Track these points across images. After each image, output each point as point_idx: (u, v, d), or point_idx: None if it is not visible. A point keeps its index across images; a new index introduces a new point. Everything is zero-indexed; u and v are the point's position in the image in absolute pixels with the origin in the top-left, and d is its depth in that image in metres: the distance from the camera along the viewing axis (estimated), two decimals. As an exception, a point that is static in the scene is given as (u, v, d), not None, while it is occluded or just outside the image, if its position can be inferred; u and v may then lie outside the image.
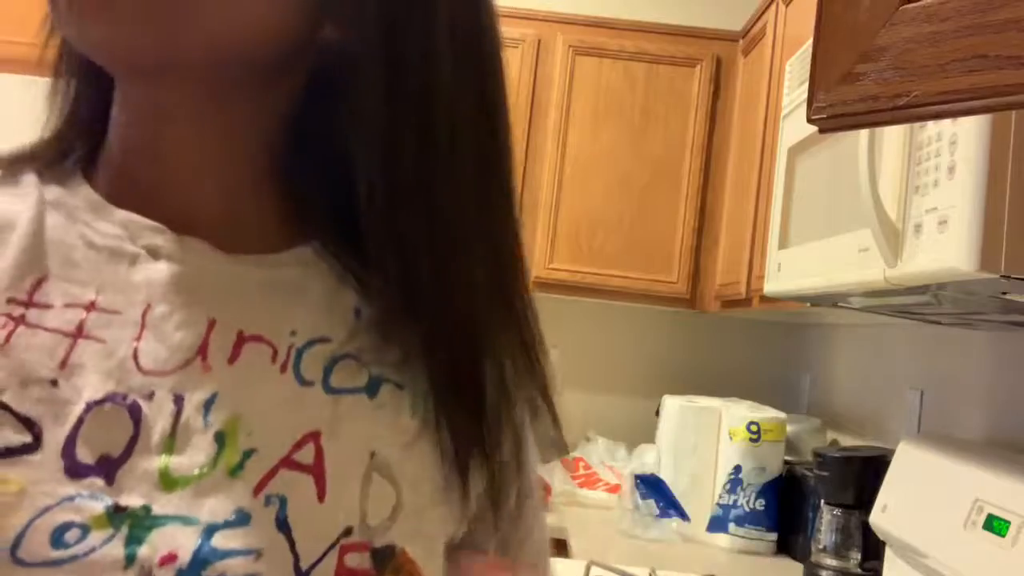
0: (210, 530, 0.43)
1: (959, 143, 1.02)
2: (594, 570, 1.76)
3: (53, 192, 0.51)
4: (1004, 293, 1.07)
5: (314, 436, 0.47)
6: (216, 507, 0.43)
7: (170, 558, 0.41)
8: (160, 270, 0.49)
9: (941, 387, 1.85)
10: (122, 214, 0.50)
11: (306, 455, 0.46)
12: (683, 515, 2.20)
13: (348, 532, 0.45)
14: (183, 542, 0.42)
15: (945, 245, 1.03)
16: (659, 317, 2.96)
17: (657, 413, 2.52)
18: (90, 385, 0.45)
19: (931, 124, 1.10)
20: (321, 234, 0.53)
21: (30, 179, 0.51)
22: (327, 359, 0.49)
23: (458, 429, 0.50)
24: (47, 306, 0.46)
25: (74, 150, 0.54)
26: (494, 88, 0.53)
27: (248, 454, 0.45)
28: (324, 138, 0.52)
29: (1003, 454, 1.43)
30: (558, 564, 1.71)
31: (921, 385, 1.93)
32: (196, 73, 0.48)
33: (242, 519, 0.43)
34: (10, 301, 0.46)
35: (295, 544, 0.44)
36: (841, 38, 0.43)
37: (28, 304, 0.46)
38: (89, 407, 0.44)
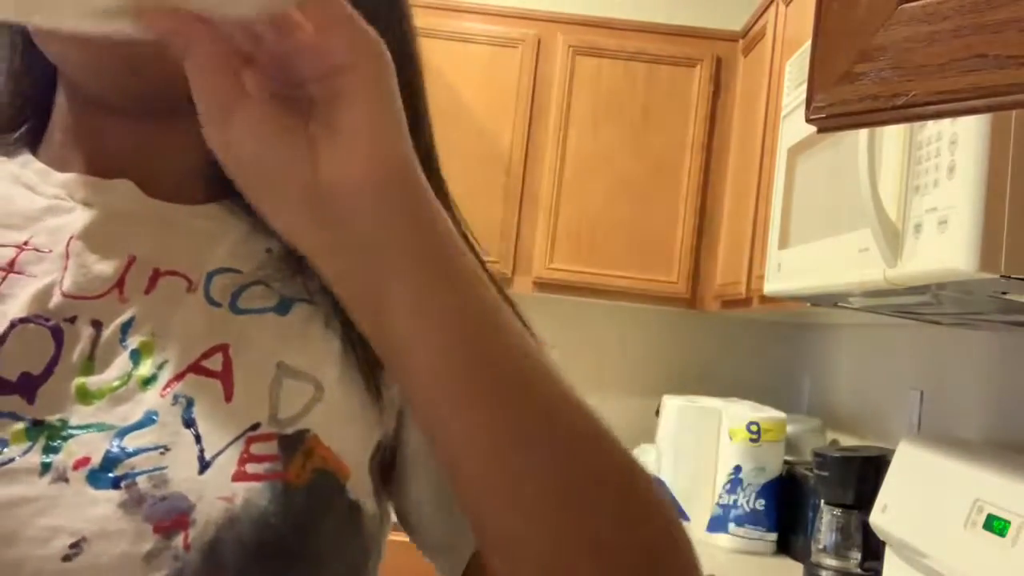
0: (121, 433, 0.45)
1: (959, 143, 1.02)
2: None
3: None
4: (1004, 293, 1.07)
5: (223, 348, 0.49)
6: (127, 413, 0.46)
7: (84, 461, 0.44)
8: (89, 215, 0.52)
9: (941, 387, 1.85)
10: (62, 176, 0.54)
11: (214, 363, 0.48)
12: (683, 515, 2.20)
13: (255, 427, 0.46)
14: (96, 447, 0.44)
15: (945, 245, 1.03)
16: (659, 317, 2.96)
17: (657, 413, 2.52)
18: (16, 309, 0.48)
19: (931, 124, 1.10)
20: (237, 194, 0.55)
21: None
22: (236, 286, 0.52)
23: (367, 351, 0.50)
24: None
25: (18, 126, 0.57)
26: (419, 111, 0.57)
27: (160, 366, 0.48)
28: None
29: (1003, 454, 1.43)
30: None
31: (921, 385, 1.93)
32: (157, 99, 0.51)
33: (151, 419, 0.46)
34: None
35: (200, 438, 0.45)
36: (840, 38, 0.43)
37: None
38: (13, 324, 0.47)
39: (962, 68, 0.38)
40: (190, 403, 0.46)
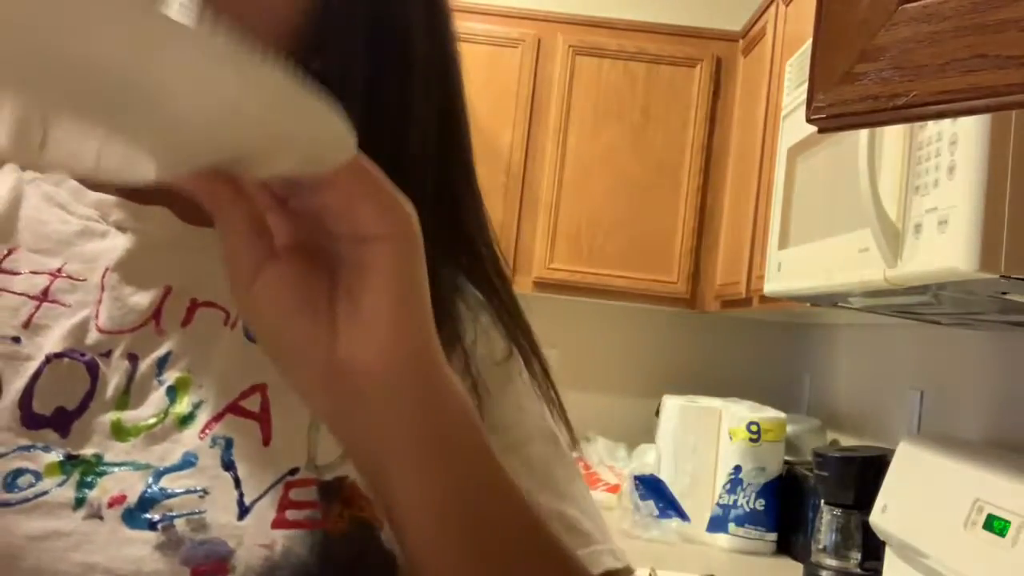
0: (158, 473, 0.45)
1: (959, 143, 1.02)
2: (594, 570, 1.75)
3: (32, 175, 0.54)
4: (1004, 293, 1.07)
5: (261, 388, 0.48)
6: (165, 453, 0.45)
7: (119, 499, 0.44)
8: (124, 242, 0.52)
9: (941, 387, 1.85)
10: (95, 195, 0.53)
11: (252, 403, 0.47)
12: (683, 515, 2.20)
13: (294, 471, 0.46)
14: (132, 484, 0.44)
15: (945, 245, 1.03)
16: (659, 317, 2.96)
17: (657, 413, 2.52)
18: (51, 342, 0.48)
19: (931, 124, 1.10)
20: None
21: (9, 166, 0.54)
22: None
23: None
24: (15, 273, 0.50)
25: None
26: (454, 105, 0.58)
27: (198, 405, 0.47)
28: None
29: (1003, 454, 1.43)
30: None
31: (921, 385, 1.93)
32: None
33: (189, 462, 0.45)
34: None
35: (240, 482, 0.45)
36: (840, 38, 0.43)
37: None
38: (48, 359, 0.47)
39: (962, 68, 0.38)
40: (229, 444, 0.46)
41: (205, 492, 0.44)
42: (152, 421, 0.46)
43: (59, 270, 0.50)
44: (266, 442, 0.46)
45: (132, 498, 0.44)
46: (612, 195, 2.69)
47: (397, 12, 0.53)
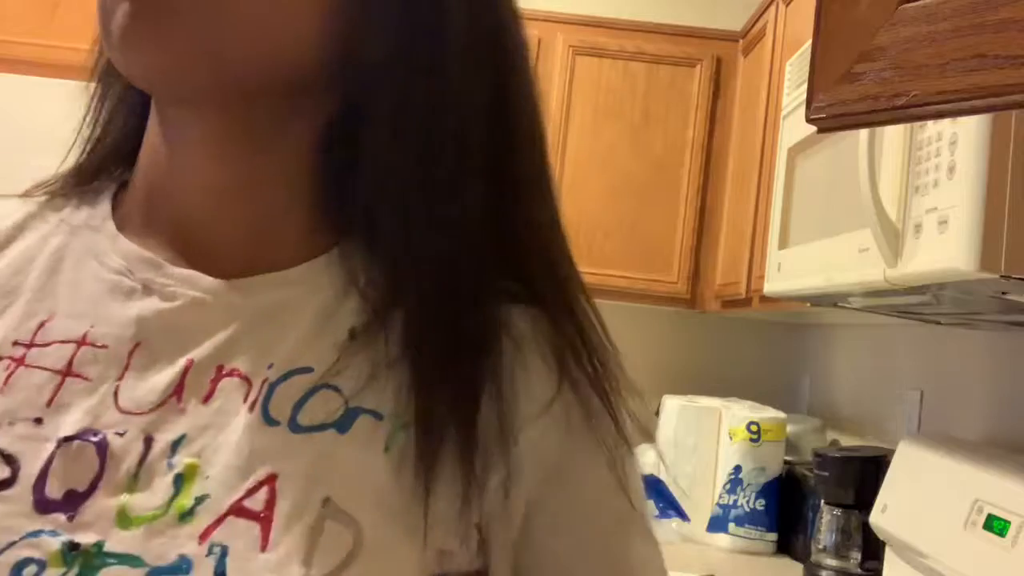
0: (152, 574, 0.44)
1: (959, 143, 1.02)
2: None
3: (79, 215, 0.54)
4: (1004, 293, 1.07)
5: (270, 480, 0.47)
6: (161, 550, 0.45)
7: None
8: (150, 307, 0.50)
9: (941, 387, 1.85)
10: (127, 246, 0.52)
11: (258, 500, 0.46)
12: (683, 515, 2.20)
13: None
14: None
15: (945, 245, 1.03)
16: (659, 317, 2.96)
17: (657, 413, 2.52)
18: (68, 422, 0.47)
19: (931, 124, 1.10)
20: (345, 236, 0.53)
21: (64, 208, 0.55)
22: (301, 393, 0.49)
23: (435, 463, 0.48)
24: (46, 344, 0.50)
25: (109, 171, 0.57)
26: (510, 91, 0.54)
27: (200, 499, 0.46)
28: (356, 148, 0.52)
29: (1003, 454, 1.43)
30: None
31: (921, 385, 1.93)
32: (229, 95, 0.49)
33: (184, 567, 0.44)
34: (15, 344, 0.50)
35: None
36: (840, 38, 0.43)
37: (30, 345, 0.50)
38: (59, 443, 0.47)
39: (962, 68, 0.38)
40: (224, 552, 0.45)
41: None
42: (155, 513, 0.46)
43: (84, 336, 0.50)
44: (263, 547, 0.45)
45: None
46: (612, 195, 2.69)
47: None
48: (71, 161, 0.57)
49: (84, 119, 0.57)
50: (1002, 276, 0.97)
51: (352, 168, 0.51)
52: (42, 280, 0.52)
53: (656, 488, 2.22)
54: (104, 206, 0.55)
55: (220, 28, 0.46)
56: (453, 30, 0.51)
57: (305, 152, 0.52)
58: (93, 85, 0.57)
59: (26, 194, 0.57)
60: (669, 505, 2.21)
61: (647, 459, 2.36)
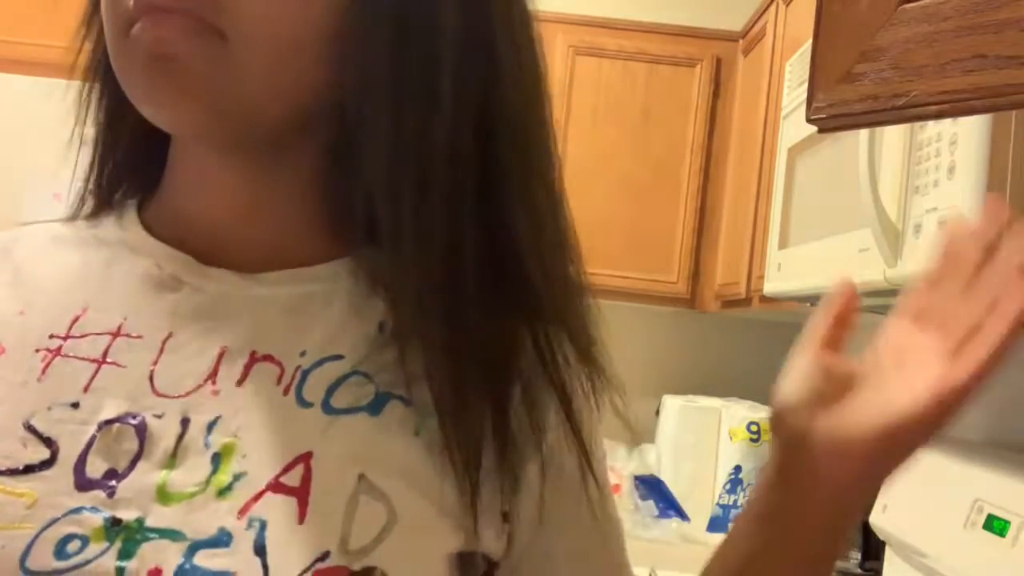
0: (194, 547, 0.46)
1: (959, 143, 1.02)
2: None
3: (108, 229, 0.57)
4: (1004, 293, 1.07)
5: (305, 457, 0.48)
6: (201, 525, 0.46)
7: (156, 572, 0.45)
8: (182, 299, 0.53)
9: (941, 387, 1.85)
10: (155, 244, 0.55)
11: (294, 477, 0.48)
12: (683, 515, 2.20)
13: (324, 556, 0.46)
14: (168, 557, 0.45)
15: (945, 245, 1.03)
16: (659, 317, 2.96)
17: (657, 413, 2.52)
18: (107, 406, 0.50)
19: (931, 124, 1.10)
20: (362, 246, 0.54)
21: (94, 226, 0.58)
22: (334, 378, 0.51)
23: (463, 451, 0.50)
24: (82, 336, 0.52)
25: (129, 183, 0.60)
26: (505, 100, 0.55)
27: (239, 476, 0.48)
28: (356, 167, 0.54)
29: (1003, 454, 1.43)
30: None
31: (921, 385, 1.93)
32: (244, 140, 0.52)
33: (224, 539, 0.46)
34: (52, 336, 0.52)
35: (268, 569, 0.45)
36: (840, 38, 0.43)
37: (66, 337, 0.52)
38: (100, 426, 0.48)
39: (962, 68, 0.38)
40: (263, 526, 0.46)
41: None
42: (194, 489, 0.47)
43: (119, 328, 0.52)
44: (301, 520, 0.46)
45: (167, 572, 0.45)
46: (612, 195, 2.69)
47: None
48: (84, 167, 0.59)
49: (85, 116, 0.58)
50: (1002, 276, 0.97)
51: (353, 184, 0.53)
52: (74, 283, 0.55)
53: (656, 488, 2.22)
54: (131, 213, 0.58)
55: (233, 86, 0.49)
56: (445, 57, 0.52)
57: (309, 170, 0.55)
58: (85, 84, 0.58)
59: (60, 220, 0.60)
60: (669, 505, 2.21)
61: (647, 459, 2.36)
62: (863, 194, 1.20)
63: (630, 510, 2.20)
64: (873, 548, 1.73)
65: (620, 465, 2.55)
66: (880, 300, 1.40)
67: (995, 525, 1.25)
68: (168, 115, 0.50)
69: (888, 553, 1.64)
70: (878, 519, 1.60)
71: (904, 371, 0.50)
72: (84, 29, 0.57)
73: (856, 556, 1.78)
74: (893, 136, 1.21)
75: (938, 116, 0.40)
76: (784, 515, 0.53)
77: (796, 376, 0.54)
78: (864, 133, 1.20)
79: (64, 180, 0.60)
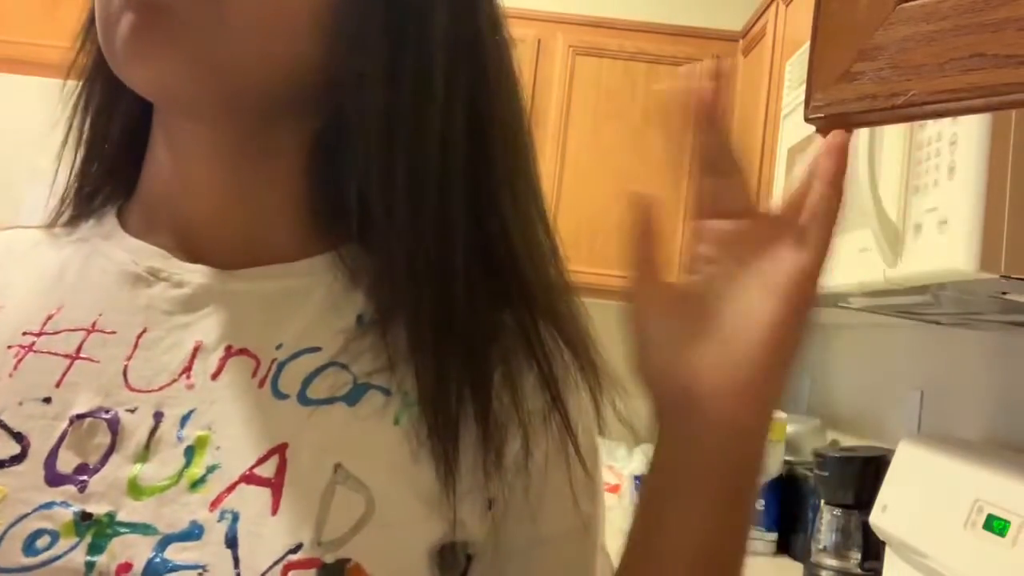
0: (165, 541, 0.45)
1: (959, 143, 1.02)
2: (594, 570, 1.75)
3: (85, 228, 0.57)
4: (1004, 293, 1.07)
5: (280, 448, 0.48)
6: (173, 518, 0.46)
7: (125, 567, 0.44)
8: (157, 293, 0.52)
9: (941, 387, 1.85)
10: (132, 241, 0.54)
11: (268, 468, 0.47)
12: (683, 515, 2.20)
13: (297, 548, 0.45)
14: (139, 552, 0.45)
15: (945, 245, 1.03)
16: (659, 317, 2.96)
17: (657, 413, 2.51)
18: (79, 401, 0.49)
19: (931, 124, 1.10)
20: (344, 241, 0.54)
21: (74, 231, 0.57)
22: (310, 370, 0.50)
23: (443, 435, 0.49)
24: (55, 333, 0.52)
25: (111, 187, 0.59)
26: (490, 98, 0.55)
27: (212, 469, 0.47)
28: (346, 154, 0.54)
29: (1003, 454, 1.43)
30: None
31: (921, 385, 1.93)
32: (230, 107, 0.51)
33: (195, 532, 0.45)
34: (25, 333, 0.52)
35: (239, 561, 0.45)
36: (838, 37, 0.43)
37: (39, 334, 0.52)
38: (72, 421, 0.48)
39: (961, 68, 0.38)
40: (235, 518, 0.46)
41: (204, 569, 0.45)
42: (166, 483, 0.47)
43: (94, 324, 0.52)
44: (274, 511, 0.46)
45: (138, 567, 0.44)
46: (612, 195, 2.69)
47: None
48: (66, 174, 0.58)
49: (72, 120, 0.57)
50: (1002, 276, 0.97)
51: (341, 173, 0.52)
52: (49, 283, 0.54)
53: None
54: (110, 217, 0.57)
55: (223, 41, 0.47)
56: (437, 41, 0.52)
57: (296, 158, 0.54)
58: (76, 84, 0.57)
59: (42, 225, 0.60)
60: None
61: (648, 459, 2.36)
62: (863, 194, 1.20)
63: (630, 510, 2.20)
64: (873, 548, 1.73)
65: (620, 465, 2.55)
66: (880, 300, 1.40)
67: (995, 525, 1.25)
68: (153, 69, 0.48)
69: (888, 553, 1.64)
70: (878, 519, 1.60)
71: (751, 268, 0.49)
72: (83, 35, 0.56)
73: (856, 556, 1.78)
74: (893, 136, 1.21)
75: (936, 115, 0.40)
76: (683, 469, 0.52)
77: (639, 319, 0.52)
78: (864, 133, 1.20)
79: (59, 181, 0.59)
